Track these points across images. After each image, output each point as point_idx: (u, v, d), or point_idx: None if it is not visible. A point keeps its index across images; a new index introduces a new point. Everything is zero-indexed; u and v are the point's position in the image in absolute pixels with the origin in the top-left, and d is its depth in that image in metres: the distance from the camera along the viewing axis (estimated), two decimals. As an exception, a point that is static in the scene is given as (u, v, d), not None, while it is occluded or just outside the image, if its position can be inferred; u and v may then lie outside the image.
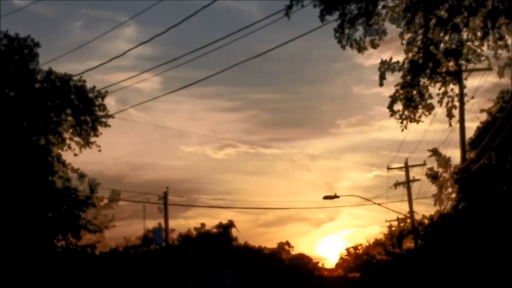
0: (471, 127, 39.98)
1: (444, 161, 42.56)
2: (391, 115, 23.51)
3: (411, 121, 23.47)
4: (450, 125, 25.40)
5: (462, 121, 39.73)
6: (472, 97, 37.86)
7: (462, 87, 38.66)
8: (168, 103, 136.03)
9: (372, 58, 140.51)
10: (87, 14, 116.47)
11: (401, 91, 22.86)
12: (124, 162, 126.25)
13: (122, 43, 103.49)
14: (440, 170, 42.70)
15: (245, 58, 23.63)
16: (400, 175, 64.31)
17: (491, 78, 35.01)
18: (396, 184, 63.43)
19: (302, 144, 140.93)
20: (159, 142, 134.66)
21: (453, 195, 39.52)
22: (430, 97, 23.59)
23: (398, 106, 23.41)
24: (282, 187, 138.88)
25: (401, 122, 23.42)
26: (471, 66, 29.71)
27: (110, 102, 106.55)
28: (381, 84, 22.59)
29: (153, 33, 22.73)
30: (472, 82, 41.83)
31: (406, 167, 63.15)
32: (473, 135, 39.68)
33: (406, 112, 23.23)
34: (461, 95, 39.11)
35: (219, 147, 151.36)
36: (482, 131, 37.77)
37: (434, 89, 23.24)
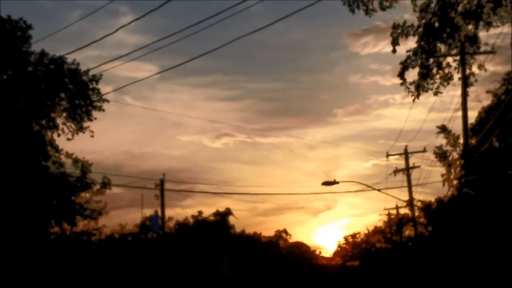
0: (471, 116, 38.80)
1: (453, 139, 40.86)
2: (401, 84, 22.44)
3: (425, 91, 22.43)
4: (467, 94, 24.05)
5: (464, 105, 38.73)
6: (476, 80, 37.22)
7: (464, 70, 37.91)
8: (165, 92, 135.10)
9: (369, 47, 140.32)
10: (84, 4, 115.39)
11: (414, 57, 21.75)
12: (122, 151, 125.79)
13: (119, 32, 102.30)
14: (449, 148, 41.10)
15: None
16: (398, 164, 63.60)
17: (489, 67, 34.21)
18: (396, 171, 62.56)
19: (300, 133, 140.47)
20: (156, 131, 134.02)
21: (460, 173, 38.39)
22: (448, 65, 22.55)
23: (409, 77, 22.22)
24: (279, 176, 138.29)
25: (415, 92, 22.38)
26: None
27: (107, 90, 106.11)
28: (394, 51, 21.37)
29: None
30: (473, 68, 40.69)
31: (406, 154, 62.40)
32: (474, 121, 38.49)
33: (421, 82, 22.17)
34: (464, 79, 38.28)
35: (217, 136, 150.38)
36: (484, 116, 36.80)
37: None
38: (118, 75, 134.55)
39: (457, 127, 40.71)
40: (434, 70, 22.00)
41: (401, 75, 22.26)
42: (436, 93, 22.83)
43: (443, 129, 41.33)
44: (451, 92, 39.79)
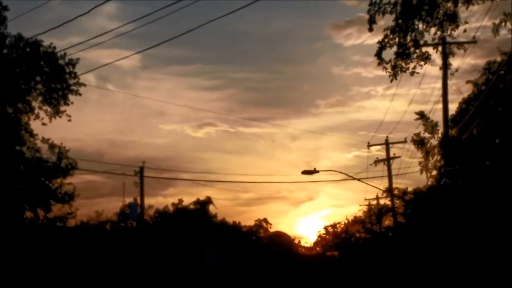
0: (452, 108, 38.56)
1: (431, 126, 40.53)
2: (378, 64, 21.95)
3: (403, 71, 22.00)
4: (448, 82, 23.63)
5: (445, 95, 38.62)
6: (457, 70, 37.00)
7: (445, 59, 37.72)
8: (148, 80, 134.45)
9: (352, 39, 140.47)
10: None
11: (391, 36, 21.28)
12: (104, 140, 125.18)
13: (102, 19, 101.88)
14: (427, 136, 40.79)
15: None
16: (379, 155, 63.53)
17: (469, 60, 33.95)
18: (377, 161, 62.47)
19: (282, 124, 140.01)
20: (138, 119, 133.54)
21: (439, 163, 38.15)
22: (426, 44, 22.04)
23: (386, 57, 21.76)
24: (262, 166, 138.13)
25: (392, 72, 21.93)
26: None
27: (89, 78, 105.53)
28: (370, 29, 20.91)
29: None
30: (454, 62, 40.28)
31: (387, 144, 62.32)
32: (455, 112, 38.22)
33: (398, 62, 21.73)
34: (445, 68, 38.10)
35: (199, 125, 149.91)
36: (464, 107, 36.56)
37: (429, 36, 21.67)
38: (100, 63, 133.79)
39: (437, 119, 40.53)
40: (411, 49, 21.51)
41: (378, 54, 21.71)
42: (412, 73, 22.40)
43: (422, 116, 40.96)
44: (431, 84, 39.78)
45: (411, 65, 21.95)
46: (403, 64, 21.78)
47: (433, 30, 21.04)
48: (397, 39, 21.14)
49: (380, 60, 21.81)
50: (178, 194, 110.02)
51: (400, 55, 21.48)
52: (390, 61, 21.65)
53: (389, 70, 21.91)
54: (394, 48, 21.46)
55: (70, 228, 44.45)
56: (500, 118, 29.18)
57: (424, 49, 22.27)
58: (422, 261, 44.10)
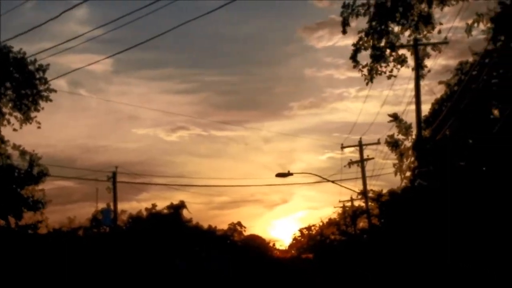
0: (425, 109, 38.49)
1: (405, 128, 40.26)
2: (354, 67, 21.76)
3: (378, 74, 21.83)
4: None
5: (418, 96, 38.48)
6: (429, 71, 36.95)
7: (418, 60, 37.60)
8: (120, 85, 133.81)
9: (324, 41, 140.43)
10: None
11: (366, 39, 21.08)
12: (76, 145, 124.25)
13: (73, 24, 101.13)
14: (401, 137, 40.54)
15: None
16: (353, 156, 63.46)
17: (441, 61, 33.99)
18: (350, 163, 62.36)
19: (256, 127, 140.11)
20: (111, 124, 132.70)
21: (413, 165, 38.08)
22: (402, 46, 21.86)
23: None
24: (235, 169, 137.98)
25: (368, 75, 21.76)
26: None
27: (61, 84, 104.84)
28: (344, 32, 20.71)
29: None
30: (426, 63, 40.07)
31: (360, 146, 62.33)
32: (427, 113, 38.11)
33: (374, 65, 21.54)
34: (417, 69, 37.99)
35: (172, 129, 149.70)
36: (437, 108, 36.52)
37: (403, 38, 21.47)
38: (71, 68, 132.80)
39: (410, 120, 40.44)
40: (387, 52, 21.33)
41: (353, 57, 21.54)
42: (389, 77, 22.28)
43: (395, 118, 40.71)
44: (404, 85, 39.69)
45: (388, 69, 21.81)
46: (379, 67, 21.64)
47: (408, 32, 20.97)
48: (372, 42, 20.97)
49: (356, 63, 21.67)
50: (152, 199, 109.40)
51: (376, 58, 21.32)
52: (366, 65, 21.51)
53: (365, 73, 21.76)
54: (369, 51, 21.30)
55: (41, 235, 43.92)
56: (472, 119, 29.20)
57: (398, 51, 22.12)
58: (397, 262, 44.11)
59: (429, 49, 29.68)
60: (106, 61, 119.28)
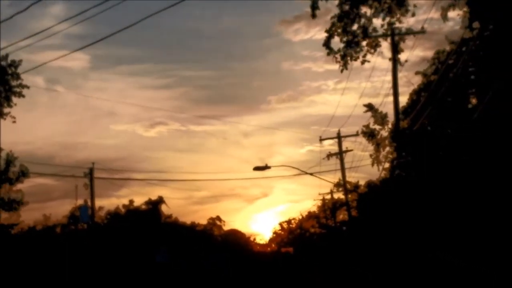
0: (402, 101, 38.24)
1: (381, 117, 39.75)
2: (328, 54, 21.27)
3: (353, 60, 21.39)
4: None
5: (395, 87, 38.15)
6: (406, 61, 36.72)
7: (395, 50, 37.34)
8: (98, 81, 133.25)
9: (301, 34, 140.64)
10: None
11: (339, 24, 20.58)
12: (55, 142, 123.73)
13: (49, 21, 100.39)
14: (377, 127, 40.02)
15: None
16: (332, 149, 63.29)
17: (418, 52, 33.70)
18: (329, 155, 62.17)
19: (234, 121, 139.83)
20: (89, 121, 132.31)
21: (391, 155, 37.78)
22: (375, 30, 21.37)
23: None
24: (215, 164, 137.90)
25: (342, 62, 21.28)
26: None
27: (38, 81, 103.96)
28: (313, 16, 20.10)
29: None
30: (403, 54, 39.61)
31: (339, 138, 62.03)
32: (405, 104, 37.83)
33: (348, 51, 21.05)
34: (394, 59, 37.71)
35: (150, 125, 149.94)
36: (415, 98, 36.29)
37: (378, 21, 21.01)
38: (48, 65, 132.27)
39: (389, 112, 40.15)
40: (360, 37, 20.87)
41: (326, 44, 21.05)
42: (363, 62, 21.86)
43: (370, 108, 40.27)
44: (381, 77, 39.43)
45: (361, 54, 21.41)
46: (353, 53, 21.20)
47: (385, 22, 20.55)
48: (344, 27, 20.48)
49: (329, 50, 21.21)
50: (131, 195, 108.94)
51: (349, 43, 20.87)
52: (339, 50, 21.06)
53: (339, 60, 21.33)
54: (342, 38, 20.83)
55: (18, 234, 43.42)
56: (450, 108, 28.99)
57: (373, 38, 21.73)
58: (376, 253, 43.99)
59: (406, 39, 29.42)
60: (83, 57, 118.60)
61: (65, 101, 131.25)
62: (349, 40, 20.72)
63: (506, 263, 23.35)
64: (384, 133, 39.30)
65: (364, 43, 21.13)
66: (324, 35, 21.24)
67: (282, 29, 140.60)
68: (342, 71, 21.55)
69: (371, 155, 39.95)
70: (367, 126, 40.42)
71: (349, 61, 21.39)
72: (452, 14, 22.61)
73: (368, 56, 22.33)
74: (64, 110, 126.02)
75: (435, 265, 30.67)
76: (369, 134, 40.10)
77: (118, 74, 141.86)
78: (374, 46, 21.62)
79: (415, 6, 21.06)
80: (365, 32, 20.69)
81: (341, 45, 21.21)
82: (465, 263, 26.90)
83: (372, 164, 39.90)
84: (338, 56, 21.22)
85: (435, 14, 26.53)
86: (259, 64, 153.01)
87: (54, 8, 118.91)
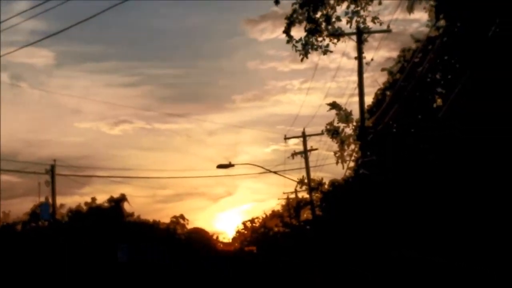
0: (368, 101, 37.91)
1: (345, 115, 39.08)
2: (287, 42, 20.73)
3: (314, 49, 20.93)
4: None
5: (361, 86, 37.85)
6: (372, 59, 36.57)
7: (360, 49, 37.16)
8: (63, 78, 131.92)
9: (266, 33, 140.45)
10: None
11: (301, 11, 20.07)
12: (18, 139, 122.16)
13: (15, 17, 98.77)
14: (341, 125, 39.35)
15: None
16: (297, 148, 63.08)
17: (383, 52, 33.54)
18: (294, 154, 62.05)
19: (199, 119, 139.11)
20: (53, 118, 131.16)
21: (356, 154, 37.54)
22: (338, 19, 20.81)
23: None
24: (179, 162, 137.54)
25: (303, 50, 20.82)
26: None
27: (2, 77, 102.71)
28: (276, 2, 19.55)
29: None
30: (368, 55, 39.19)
31: (304, 136, 61.99)
32: (371, 103, 37.52)
33: (309, 39, 20.55)
34: (360, 58, 37.50)
35: (115, 123, 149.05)
36: (380, 97, 36.08)
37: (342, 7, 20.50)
38: (13, 62, 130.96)
39: (354, 112, 39.81)
40: (323, 26, 20.36)
41: (286, 31, 20.49)
42: (325, 52, 21.45)
43: (334, 106, 39.53)
44: (347, 77, 39.18)
45: (324, 43, 21.01)
46: (314, 41, 20.72)
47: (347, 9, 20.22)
48: (306, 14, 19.99)
49: (289, 38, 20.66)
50: (94, 193, 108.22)
51: (311, 31, 20.35)
52: (300, 39, 20.59)
53: (299, 48, 20.83)
54: (304, 24, 20.32)
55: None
56: (416, 107, 28.85)
57: (334, 15, 21.05)
58: (339, 252, 43.86)
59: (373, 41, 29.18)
60: (48, 54, 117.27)
61: (29, 98, 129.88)
62: (311, 28, 20.18)
63: (470, 258, 23.31)
64: (349, 130, 38.95)
65: (325, 32, 20.62)
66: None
67: (248, 28, 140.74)
68: (302, 59, 21.03)
69: (335, 153, 39.67)
70: (330, 124, 39.76)
71: (310, 50, 20.89)
72: (416, 15, 22.41)
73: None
74: (28, 107, 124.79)
75: (400, 263, 30.57)
76: (333, 132, 39.49)
77: (83, 72, 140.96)
78: (337, 35, 21.17)
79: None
80: (328, 20, 20.21)
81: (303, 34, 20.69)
82: (432, 259, 26.84)
83: (337, 162, 39.63)
84: (298, 44, 20.68)
85: (399, 15, 26.25)
86: (225, 63, 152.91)
87: (19, 4, 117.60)
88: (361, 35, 35.71)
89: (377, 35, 36.26)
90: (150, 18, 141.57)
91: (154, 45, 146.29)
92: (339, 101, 40.00)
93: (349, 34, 32.90)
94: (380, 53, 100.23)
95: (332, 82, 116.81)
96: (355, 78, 38.03)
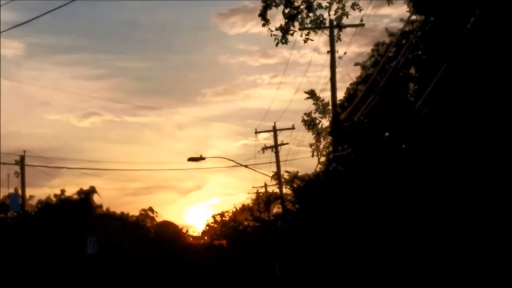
0: (340, 97, 37.49)
1: (323, 105, 38.29)
2: (263, 25, 20.25)
3: (291, 35, 20.59)
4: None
5: (333, 80, 37.53)
6: (345, 53, 36.51)
7: (333, 42, 36.92)
8: (32, 70, 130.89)
9: (237, 27, 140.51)
10: None
11: None
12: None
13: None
14: (318, 115, 38.63)
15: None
16: (268, 143, 63.00)
17: (353, 48, 33.42)
18: (264, 148, 62.06)
19: (169, 113, 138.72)
20: (22, 110, 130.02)
21: (327, 150, 37.35)
22: (320, 6, 20.46)
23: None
24: (149, 155, 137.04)
25: (281, 35, 20.49)
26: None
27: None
28: None
29: None
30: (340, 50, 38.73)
31: (274, 131, 61.94)
32: (343, 98, 37.20)
33: (288, 25, 20.24)
34: (332, 52, 37.25)
35: (84, 115, 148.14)
36: (352, 92, 35.90)
37: None
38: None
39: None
40: (304, 13, 20.03)
41: (262, 14, 19.95)
42: (306, 40, 21.22)
43: (312, 95, 38.67)
44: (317, 72, 38.87)
45: (305, 32, 20.78)
46: (292, 27, 20.32)
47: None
48: None
49: (265, 21, 20.19)
50: (63, 185, 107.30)
51: (291, 17, 19.98)
52: (280, 26, 20.26)
53: (276, 33, 20.40)
54: (282, 8, 19.84)
55: None
56: (389, 102, 28.81)
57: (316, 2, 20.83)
58: (310, 248, 43.83)
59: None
60: (17, 45, 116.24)
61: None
62: (292, 14, 19.82)
63: (444, 253, 23.41)
64: (326, 122, 38.34)
65: (308, 19, 20.34)
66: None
67: (218, 22, 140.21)
68: (277, 44, 20.67)
69: (311, 145, 39.34)
70: (308, 114, 38.98)
71: (288, 36, 20.50)
72: (387, 11, 22.35)
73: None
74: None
75: (375, 258, 30.59)
76: (310, 123, 38.80)
77: (53, 63, 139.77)
78: (319, 23, 20.93)
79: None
80: (310, 7, 19.93)
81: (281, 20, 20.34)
82: (405, 254, 26.90)
83: (312, 155, 39.21)
84: (274, 30, 20.27)
85: (371, 11, 26.14)
86: (195, 56, 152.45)
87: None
88: (333, 29, 35.59)
89: (348, 30, 36.18)
90: (120, 10, 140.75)
91: (124, 38, 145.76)
92: (304, 99, 39.17)
93: (322, 28, 32.66)
94: (351, 49, 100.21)
95: (302, 77, 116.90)
96: (326, 73, 37.71)
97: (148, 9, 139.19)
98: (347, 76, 37.11)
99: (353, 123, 31.32)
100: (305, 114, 39.16)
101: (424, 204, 24.42)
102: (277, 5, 19.83)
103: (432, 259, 24.43)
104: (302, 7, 19.82)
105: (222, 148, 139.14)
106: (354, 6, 22.44)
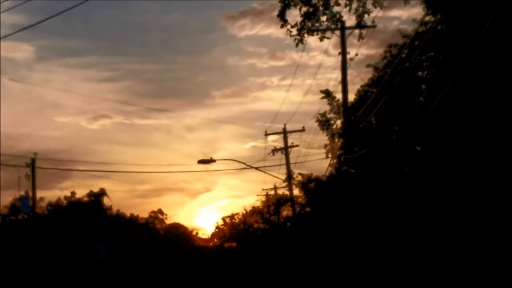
0: (351, 98, 37.14)
1: (337, 106, 37.09)
2: (282, 26, 20.13)
3: (310, 34, 20.49)
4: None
5: (344, 82, 37.23)
6: (356, 54, 36.25)
7: (344, 43, 36.75)
8: (43, 73, 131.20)
9: (246, 29, 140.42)
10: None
11: None
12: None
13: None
14: (333, 116, 37.49)
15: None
16: (277, 145, 62.89)
17: (363, 50, 33.17)
18: (274, 150, 61.85)
19: (178, 115, 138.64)
20: (33, 112, 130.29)
21: (338, 152, 37.05)
22: (337, 3, 20.24)
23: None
24: (159, 158, 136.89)
25: (298, 35, 20.38)
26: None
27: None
28: None
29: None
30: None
31: (284, 132, 61.91)
32: (353, 100, 36.81)
33: (305, 23, 20.11)
34: (344, 53, 37.07)
35: (94, 117, 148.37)
36: (363, 94, 35.69)
37: None
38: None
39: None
40: (321, 10, 19.87)
41: (281, 15, 19.89)
42: (322, 39, 21.10)
43: (327, 94, 37.52)
44: (327, 75, 38.61)
45: (320, 30, 20.62)
46: (310, 25, 20.21)
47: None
48: None
49: (284, 22, 20.13)
50: (74, 187, 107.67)
51: (308, 15, 19.85)
52: (296, 24, 20.10)
53: (294, 33, 20.34)
54: (300, 8, 19.74)
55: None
56: (402, 103, 28.73)
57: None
58: (320, 250, 43.79)
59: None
60: (28, 48, 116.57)
61: (9, 92, 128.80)
62: (308, 12, 19.70)
63: (445, 254, 23.41)
64: (340, 123, 37.59)
65: (324, 17, 20.21)
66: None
67: (227, 24, 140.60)
68: (297, 45, 20.58)
69: (325, 146, 39.05)
70: (323, 114, 37.98)
71: (306, 35, 20.43)
72: (396, 13, 22.24)
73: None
74: (8, 100, 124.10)
75: (381, 260, 30.55)
76: (324, 123, 37.90)
77: (64, 66, 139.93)
78: (336, 21, 20.80)
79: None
80: (326, 5, 19.80)
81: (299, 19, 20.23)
82: (405, 255, 26.88)
83: (326, 156, 38.80)
84: (292, 29, 20.18)
85: (379, 13, 26.04)
86: (204, 58, 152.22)
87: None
88: (344, 30, 35.47)
89: (357, 31, 35.86)
90: (130, 13, 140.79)
91: (134, 40, 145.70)
92: (319, 98, 38.67)
93: (333, 29, 32.41)
94: (360, 51, 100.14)
95: (312, 80, 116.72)
96: (335, 75, 37.39)
97: (157, 11, 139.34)
98: (357, 78, 36.83)
99: (367, 124, 31.21)
100: (319, 114, 38.35)
101: (424, 205, 24.42)
102: (295, 5, 19.72)
103: (432, 259, 24.42)
104: (318, 4, 19.62)
105: (231, 150, 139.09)
106: (375, 3, 22.16)
